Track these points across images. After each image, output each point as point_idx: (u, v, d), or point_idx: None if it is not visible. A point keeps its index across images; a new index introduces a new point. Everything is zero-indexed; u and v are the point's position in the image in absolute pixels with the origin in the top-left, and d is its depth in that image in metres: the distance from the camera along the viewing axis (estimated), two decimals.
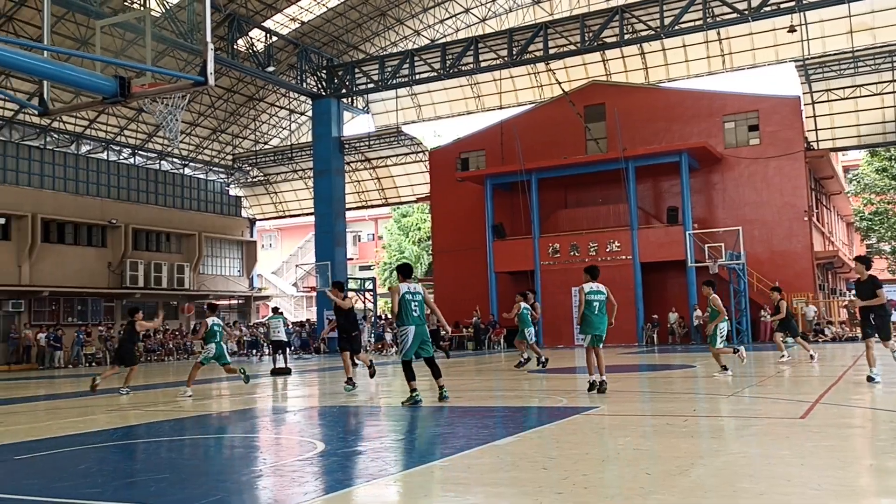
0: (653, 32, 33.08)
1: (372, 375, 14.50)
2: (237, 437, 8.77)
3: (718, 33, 37.22)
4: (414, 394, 10.22)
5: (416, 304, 10.27)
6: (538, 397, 11.75)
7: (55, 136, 37.00)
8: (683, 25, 32.43)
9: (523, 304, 17.51)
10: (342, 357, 13.49)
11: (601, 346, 11.22)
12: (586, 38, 33.86)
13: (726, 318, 14.33)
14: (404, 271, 10.73)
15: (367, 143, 43.34)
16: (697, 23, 32.00)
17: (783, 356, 16.42)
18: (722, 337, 14.02)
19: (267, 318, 26.24)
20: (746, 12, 30.46)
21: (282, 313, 22.01)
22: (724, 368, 13.60)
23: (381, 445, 7.44)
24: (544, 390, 12.90)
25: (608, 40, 34.08)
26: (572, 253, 32.48)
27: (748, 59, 38.85)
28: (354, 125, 47.27)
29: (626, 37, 33.36)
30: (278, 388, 15.57)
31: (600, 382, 10.89)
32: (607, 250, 31.93)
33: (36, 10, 29.51)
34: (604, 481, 5.23)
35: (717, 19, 31.71)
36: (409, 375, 10.31)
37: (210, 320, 14.15)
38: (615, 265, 31.55)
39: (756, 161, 32.46)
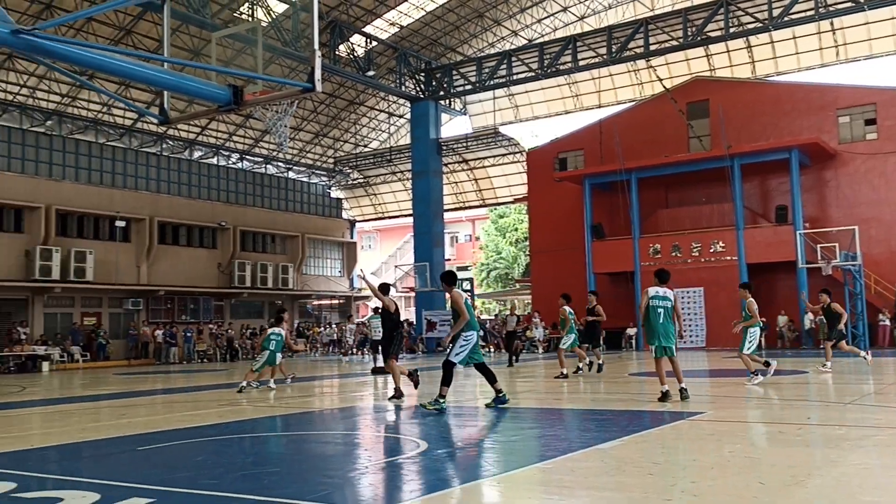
0: (761, 25, 31.87)
1: (416, 385, 12.60)
2: (341, 433, 9.00)
3: (832, 23, 35.46)
4: (442, 401, 9.97)
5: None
6: (641, 401, 11.51)
7: (170, 142, 38.90)
8: (794, 16, 31.08)
9: (567, 309, 16.04)
10: (390, 366, 12.45)
11: (675, 355, 10.53)
12: (689, 33, 32.93)
13: (760, 323, 13.86)
14: (451, 279, 10.76)
15: (464, 144, 43.57)
16: (809, 13, 30.59)
17: None
18: (752, 343, 13.94)
19: (367, 317, 26.61)
20: (862, 1, 28.91)
21: (516, 314, 21.97)
22: (755, 373, 13.50)
23: (483, 446, 7.47)
24: (647, 394, 12.62)
25: (712, 34, 33.03)
26: (674, 254, 31.65)
27: (864, 50, 36.82)
28: (452, 127, 47.63)
29: (732, 30, 32.26)
30: (379, 386, 15.85)
31: (680, 390, 10.23)
32: (711, 251, 30.94)
33: (152, 24, 31.13)
34: (714, 489, 5.07)
35: (830, 9, 30.21)
36: (448, 380, 10.09)
37: (270, 330, 14.78)
38: (719, 266, 30.56)
39: (874, 157, 30.73)
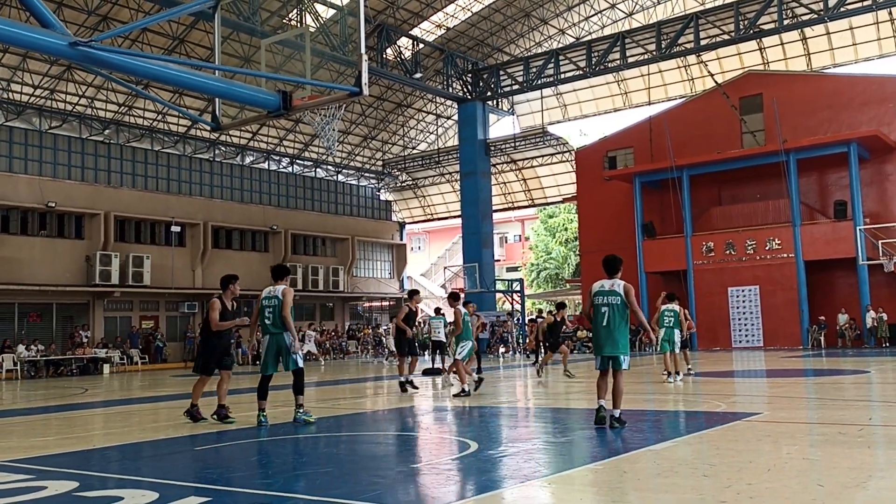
0: (816, 16, 31.10)
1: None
2: (392, 434, 9.05)
3: (890, 13, 34.40)
4: (468, 387, 12.51)
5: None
6: (694, 402, 11.32)
7: (223, 148, 39.67)
8: (850, 6, 30.25)
9: (463, 310, 13.41)
10: (457, 367, 12.91)
11: (620, 369, 8.05)
12: (741, 27, 32.30)
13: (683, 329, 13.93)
14: (454, 298, 13.49)
15: (512, 144, 43.46)
16: (866, 3, 29.72)
17: None
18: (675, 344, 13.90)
19: (430, 318, 26.58)
20: None
21: (444, 314, 21.54)
22: (669, 374, 13.65)
23: (534, 447, 7.43)
24: (700, 395, 12.41)
25: (765, 27, 32.34)
26: (728, 251, 31.06)
27: None
28: (500, 127, 47.55)
29: (786, 22, 31.54)
30: (431, 387, 15.88)
31: (611, 417, 7.99)
32: (766, 248, 30.28)
33: (204, 32, 31.78)
34: (772, 492, 4.96)
35: None
36: (461, 374, 12.65)
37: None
38: (776, 263, 29.89)
39: None
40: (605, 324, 8.02)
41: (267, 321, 9.22)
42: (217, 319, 9.68)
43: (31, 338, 28.52)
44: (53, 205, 30.56)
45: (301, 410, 9.31)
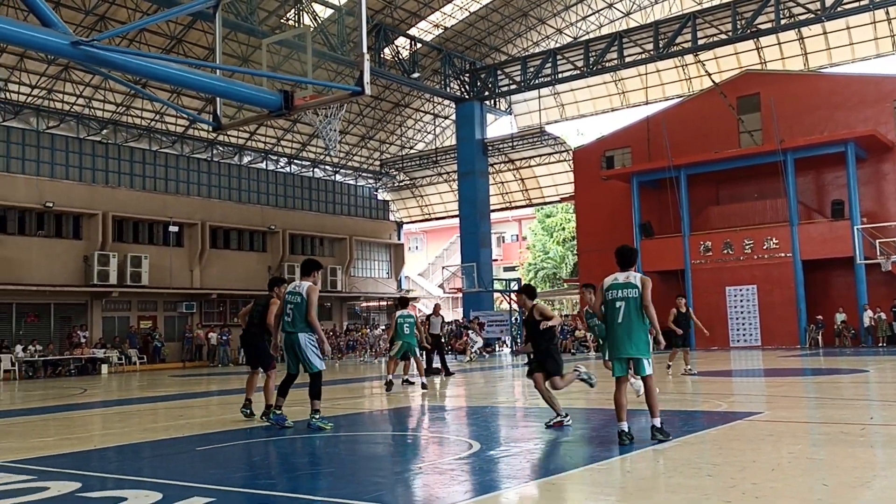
0: (813, 16, 31.14)
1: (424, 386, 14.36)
2: (394, 434, 9.05)
3: (887, 12, 34.44)
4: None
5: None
6: (695, 401, 11.33)
7: (221, 148, 39.61)
8: (847, 6, 30.29)
9: (398, 313, 14.80)
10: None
11: (644, 375, 7.18)
12: (738, 26, 32.34)
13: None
14: (402, 303, 15.07)
15: (510, 144, 43.46)
16: (863, 2, 29.76)
17: None
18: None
19: (427, 316, 26.59)
20: None
21: (442, 315, 21.68)
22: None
23: (536, 447, 7.43)
24: (701, 394, 12.43)
25: (763, 27, 32.38)
26: (725, 251, 31.10)
27: None
28: (497, 127, 47.55)
29: (783, 22, 31.58)
30: (431, 387, 15.88)
31: (652, 428, 7.13)
32: (764, 247, 30.32)
33: (202, 32, 31.73)
34: (776, 491, 4.97)
35: None
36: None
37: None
38: (773, 263, 29.93)
39: None
40: (619, 321, 7.07)
41: (287, 318, 8.80)
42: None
43: (30, 338, 28.48)
44: (51, 205, 30.50)
45: (317, 416, 8.85)
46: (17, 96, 31.64)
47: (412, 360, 15.04)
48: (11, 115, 31.56)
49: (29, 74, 31.17)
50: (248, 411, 10.11)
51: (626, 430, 6.99)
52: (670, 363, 15.76)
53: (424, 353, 20.36)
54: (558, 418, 8.32)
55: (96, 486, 5.94)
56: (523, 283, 45.14)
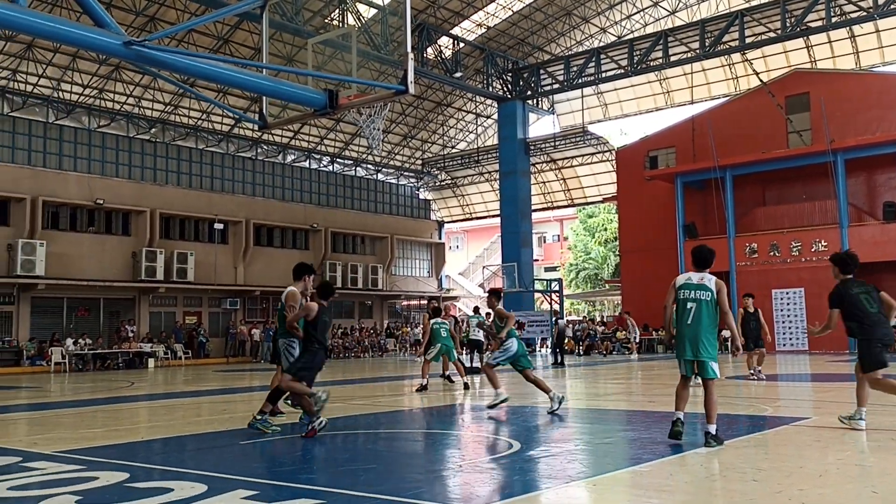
0: (865, 13, 30.38)
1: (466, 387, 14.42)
2: (435, 432, 9.07)
3: None
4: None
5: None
6: (739, 405, 11.14)
7: (265, 147, 40.13)
8: None
9: (434, 321, 14.98)
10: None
11: (709, 377, 7.01)
12: (788, 24, 31.70)
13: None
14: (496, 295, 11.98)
15: (552, 143, 43.23)
16: None
17: None
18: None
19: (468, 316, 26.67)
20: None
21: (481, 313, 21.70)
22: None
23: (577, 447, 7.39)
24: (745, 398, 12.22)
25: (813, 25, 31.67)
26: (772, 253, 30.53)
27: None
28: (539, 126, 47.34)
29: (834, 20, 30.86)
30: (471, 386, 15.88)
31: (706, 434, 6.91)
32: (812, 250, 29.68)
33: (248, 32, 32.19)
34: (824, 498, 4.87)
35: None
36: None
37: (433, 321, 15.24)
38: (822, 266, 29.21)
39: None
40: (689, 322, 6.91)
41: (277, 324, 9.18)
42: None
43: (79, 332, 29.20)
44: (102, 202, 31.23)
45: (261, 417, 8.54)
46: (70, 96, 32.45)
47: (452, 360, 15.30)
48: (64, 115, 32.39)
49: (81, 74, 31.96)
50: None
51: (681, 418, 7.04)
52: (752, 369, 14.88)
53: (472, 350, 20.55)
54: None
55: (143, 476, 6.06)
56: (563, 283, 44.94)
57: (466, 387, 14.32)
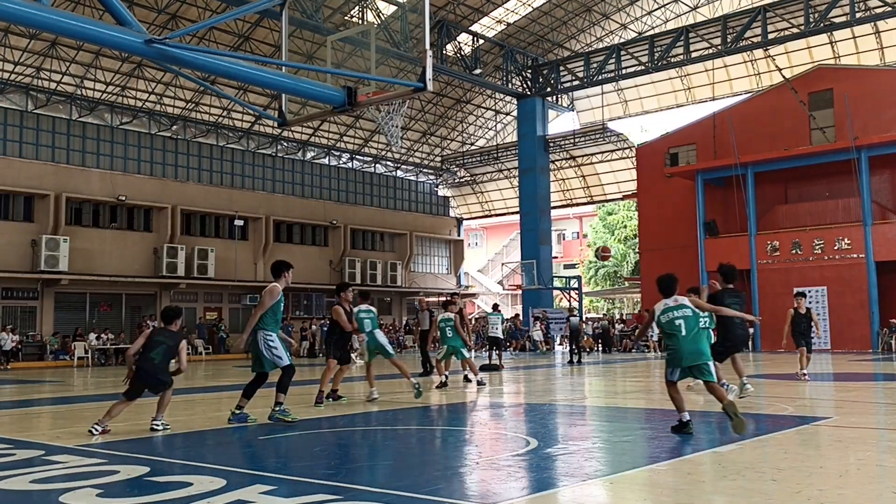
0: (890, 9, 29.97)
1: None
2: (452, 429, 9.08)
3: None
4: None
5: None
6: (760, 404, 11.06)
7: (285, 144, 40.33)
8: None
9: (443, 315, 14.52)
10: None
11: (706, 379, 7.62)
12: (811, 20, 31.34)
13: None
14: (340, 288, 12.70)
15: (571, 140, 43.08)
16: None
17: None
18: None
19: (487, 314, 26.74)
20: None
21: (500, 311, 21.72)
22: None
23: (594, 445, 7.37)
24: (765, 397, 12.12)
25: (837, 20, 31.30)
26: (794, 251, 30.23)
27: None
28: (559, 123, 47.17)
29: (859, 15, 30.47)
30: (489, 383, 15.87)
31: (688, 424, 7.56)
32: (835, 248, 29.36)
33: (268, 30, 32.34)
34: (843, 498, 4.82)
35: None
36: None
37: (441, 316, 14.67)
38: (845, 264, 28.96)
39: None
40: (683, 334, 7.52)
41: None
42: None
43: (102, 327, 29.54)
44: (124, 198, 31.55)
45: (278, 409, 9.06)
46: (93, 93, 32.79)
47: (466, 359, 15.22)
48: (87, 112, 32.74)
49: (104, 72, 32.28)
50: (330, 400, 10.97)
51: (689, 419, 7.54)
52: (803, 368, 14.38)
53: (491, 347, 20.47)
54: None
55: (163, 470, 6.13)
56: (582, 280, 44.80)
57: (481, 383, 14.24)
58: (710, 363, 7.66)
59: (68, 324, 29.62)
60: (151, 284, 32.38)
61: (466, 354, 14.51)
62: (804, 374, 14.21)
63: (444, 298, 17.30)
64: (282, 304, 9.11)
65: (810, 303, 29.81)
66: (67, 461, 6.48)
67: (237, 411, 9.17)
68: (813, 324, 14.46)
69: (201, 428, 9.09)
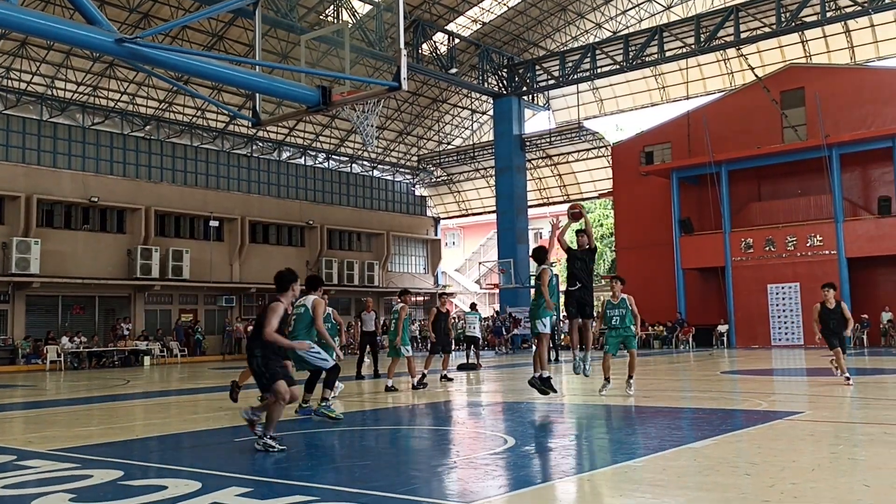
0: (860, 8, 30.40)
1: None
2: (429, 428, 9.08)
3: None
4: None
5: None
6: (734, 400, 11.18)
7: (260, 144, 40.08)
8: None
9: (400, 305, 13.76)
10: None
11: (631, 348, 11.50)
12: (783, 19, 31.72)
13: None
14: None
15: (548, 139, 43.25)
16: None
17: None
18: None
19: (465, 313, 26.68)
20: None
21: (478, 310, 21.74)
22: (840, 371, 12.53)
23: (571, 443, 7.40)
24: (740, 392, 12.26)
25: (808, 19, 31.70)
26: (767, 248, 30.59)
27: None
28: (535, 122, 47.32)
29: (829, 14, 30.89)
30: (467, 382, 15.90)
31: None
32: (808, 245, 29.76)
33: (242, 29, 32.11)
34: (816, 492, 4.88)
35: None
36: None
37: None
38: (817, 260, 29.36)
39: None
40: (616, 325, 11.41)
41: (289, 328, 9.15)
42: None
43: (75, 330, 29.16)
44: (96, 199, 31.17)
45: (325, 404, 9.29)
46: (64, 93, 32.36)
47: (445, 356, 15.37)
48: (58, 112, 32.31)
49: (75, 72, 31.87)
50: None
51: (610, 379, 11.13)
52: (835, 368, 12.74)
53: (469, 346, 20.48)
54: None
55: (138, 474, 6.06)
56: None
57: (390, 389, 13.30)
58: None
59: (40, 327, 29.22)
60: (125, 287, 32.03)
61: (402, 353, 13.59)
62: (847, 378, 12.18)
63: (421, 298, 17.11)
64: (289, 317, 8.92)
65: (784, 298, 30.20)
66: (40, 466, 6.39)
67: (304, 405, 9.53)
68: (846, 319, 12.30)
69: (177, 431, 9.01)
